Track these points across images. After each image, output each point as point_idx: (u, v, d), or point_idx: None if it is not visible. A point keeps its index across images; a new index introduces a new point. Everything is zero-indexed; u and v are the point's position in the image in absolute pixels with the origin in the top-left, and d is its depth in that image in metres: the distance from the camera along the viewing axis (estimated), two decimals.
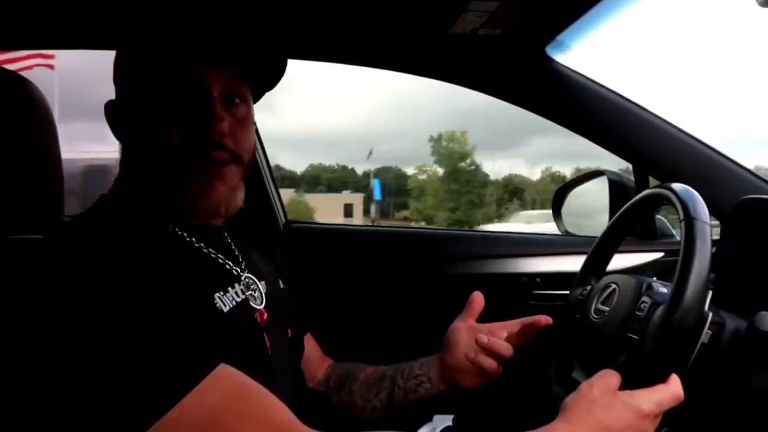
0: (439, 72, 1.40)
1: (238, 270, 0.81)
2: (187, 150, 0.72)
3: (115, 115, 0.78)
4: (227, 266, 0.79)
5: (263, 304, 0.82)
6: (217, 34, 0.76)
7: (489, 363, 0.91)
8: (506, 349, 0.91)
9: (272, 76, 0.84)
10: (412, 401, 0.95)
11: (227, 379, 0.60)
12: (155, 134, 0.72)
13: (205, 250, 0.77)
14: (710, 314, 0.74)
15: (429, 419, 0.96)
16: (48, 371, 0.57)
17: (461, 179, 33.99)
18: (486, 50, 1.32)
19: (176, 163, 0.72)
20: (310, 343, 1.02)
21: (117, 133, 0.78)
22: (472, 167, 35.20)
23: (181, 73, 0.72)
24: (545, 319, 0.93)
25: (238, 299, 0.77)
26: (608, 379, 0.71)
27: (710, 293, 0.73)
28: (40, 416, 0.58)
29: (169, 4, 0.82)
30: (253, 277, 0.83)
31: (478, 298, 0.97)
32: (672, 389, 0.70)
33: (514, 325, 0.95)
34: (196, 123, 0.72)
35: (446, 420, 0.95)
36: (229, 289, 0.76)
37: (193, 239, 0.76)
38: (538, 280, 1.47)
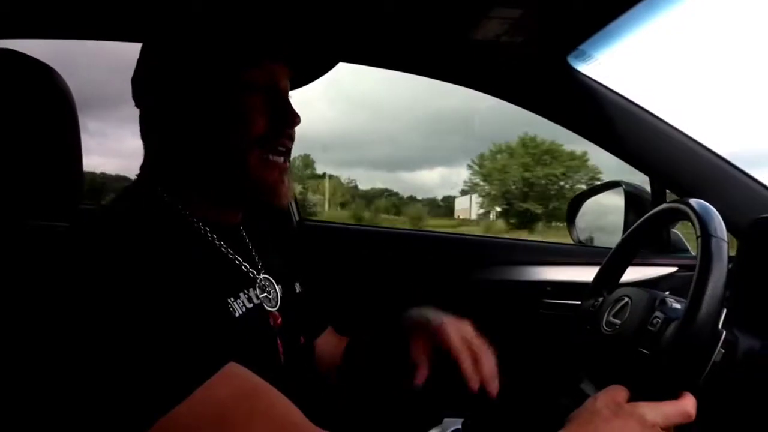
0: (460, 77, 1.40)
1: (254, 272, 0.81)
2: (267, 139, 0.75)
3: (166, 107, 0.76)
4: (243, 268, 0.80)
5: (278, 307, 0.83)
6: (289, 32, 0.81)
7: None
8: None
9: (314, 75, 0.89)
10: None
11: (237, 377, 0.61)
12: (239, 125, 0.74)
13: (224, 250, 0.78)
14: (724, 332, 0.73)
15: (438, 422, 0.95)
16: (62, 358, 0.58)
17: None
18: (508, 57, 1.32)
19: (257, 151, 0.75)
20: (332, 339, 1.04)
21: (161, 123, 0.77)
22: None
23: (257, 66, 0.76)
24: None
25: (253, 303, 0.77)
26: (614, 392, 0.71)
27: (724, 311, 0.73)
28: (52, 403, 0.58)
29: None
30: (270, 279, 0.84)
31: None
32: (682, 405, 0.69)
33: None
34: (276, 115, 0.76)
35: (455, 423, 0.95)
36: (244, 292, 0.76)
37: (215, 236, 0.77)
38: (548, 288, 1.47)
